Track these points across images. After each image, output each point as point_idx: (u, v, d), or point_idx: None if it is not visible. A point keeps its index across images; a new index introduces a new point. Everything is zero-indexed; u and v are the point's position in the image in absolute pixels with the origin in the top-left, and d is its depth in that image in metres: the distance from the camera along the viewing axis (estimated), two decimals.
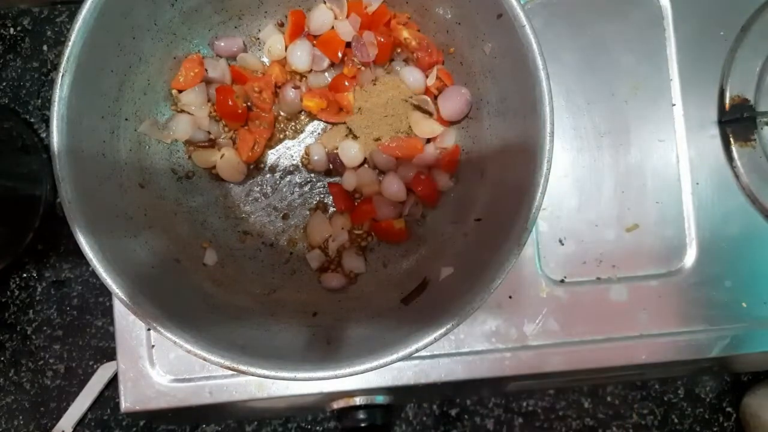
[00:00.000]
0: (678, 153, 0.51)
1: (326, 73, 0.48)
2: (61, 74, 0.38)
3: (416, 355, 0.37)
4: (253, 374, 0.37)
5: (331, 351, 0.39)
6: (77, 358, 0.62)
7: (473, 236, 0.44)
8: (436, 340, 0.37)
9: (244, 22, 0.48)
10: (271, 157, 0.49)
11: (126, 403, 0.47)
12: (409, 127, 0.46)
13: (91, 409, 0.61)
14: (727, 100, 0.51)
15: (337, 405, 0.50)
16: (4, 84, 0.63)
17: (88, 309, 0.62)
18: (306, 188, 0.49)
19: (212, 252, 0.46)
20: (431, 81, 0.46)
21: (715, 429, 0.64)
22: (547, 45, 0.38)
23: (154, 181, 0.45)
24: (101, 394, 0.61)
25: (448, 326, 0.37)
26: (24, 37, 0.63)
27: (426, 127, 0.46)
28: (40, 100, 0.63)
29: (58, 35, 0.63)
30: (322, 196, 0.49)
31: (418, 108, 0.46)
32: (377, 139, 0.46)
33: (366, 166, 0.48)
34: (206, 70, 0.46)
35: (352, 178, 0.47)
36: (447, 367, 0.48)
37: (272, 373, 0.37)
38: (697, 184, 0.51)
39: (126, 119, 0.43)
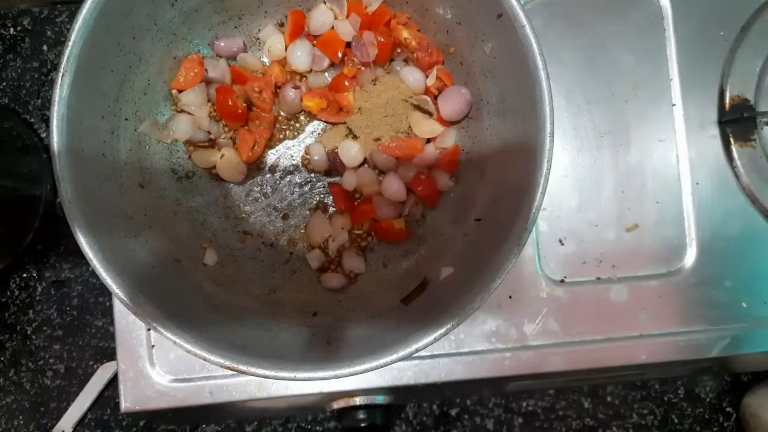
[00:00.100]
0: (678, 153, 0.51)
1: (326, 73, 0.48)
2: (61, 74, 0.38)
3: (416, 355, 0.37)
4: (253, 374, 0.37)
5: (331, 351, 0.39)
6: (77, 358, 0.62)
7: (473, 236, 0.44)
8: (436, 340, 0.37)
9: (244, 22, 0.48)
10: (271, 157, 0.49)
11: (126, 403, 0.47)
12: (409, 127, 0.46)
13: (91, 409, 0.61)
14: (727, 100, 0.51)
15: (337, 405, 0.50)
16: (4, 84, 0.63)
17: (88, 309, 0.62)
18: (306, 188, 0.49)
19: (212, 252, 0.46)
20: (431, 81, 0.46)
21: (715, 429, 0.64)
22: (547, 45, 0.38)
23: (154, 181, 0.45)
24: (101, 394, 0.61)
25: (448, 326, 0.37)
26: (24, 37, 0.63)
27: (426, 127, 0.46)
28: (40, 100, 0.63)
29: (58, 35, 0.63)
30: (322, 196, 0.49)
31: (418, 108, 0.46)
32: (377, 139, 0.46)
33: (366, 166, 0.48)
34: (206, 70, 0.46)
35: (352, 178, 0.47)
36: (447, 367, 0.48)
37: (272, 373, 0.37)
38: (697, 184, 0.51)
39: (126, 119, 0.43)
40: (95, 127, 0.41)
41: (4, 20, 0.63)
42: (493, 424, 0.63)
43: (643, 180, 0.50)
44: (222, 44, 0.47)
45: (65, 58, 0.38)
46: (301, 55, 0.46)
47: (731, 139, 0.51)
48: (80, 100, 0.39)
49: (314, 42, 0.47)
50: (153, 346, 0.48)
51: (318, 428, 0.63)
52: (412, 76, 0.45)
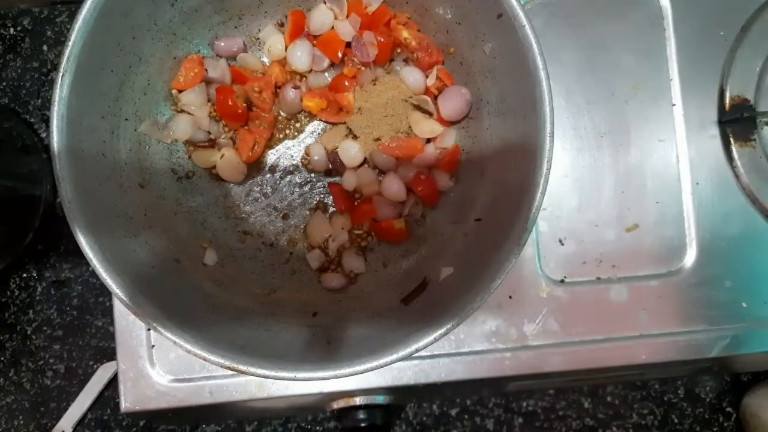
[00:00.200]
0: (678, 153, 0.51)
1: (326, 73, 0.48)
2: (61, 74, 0.38)
3: (416, 355, 0.37)
4: (253, 374, 0.37)
5: (331, 351, 0.39)
6: (77, 358, 0.62)
7: (473, 236, 0.44)
8: (436, 340, 0.37)
9: (244, 22, 0.48)
10: (271, 157, 0.49)
11: (126, 403, 0.47)
12: (409, 127, 0.46)
13: (91, 409, 0.61)
14: (727, 100, 0.51)
15: (337, 405, 0.50)
16: (4, 84, 0.63)
17: (88, 309, 0.62)
18: (306, 188, 0.49)
19: (212, 252, 0.46)
20: (431, 81, 0.46)
21: (715, 429, 0.64)
22: (547, 45, 0.38)
23: (154, 181, 0.45)
24: (101, 394, 0.61)
25: (448, 326, 0.37)
26: (24, 37, 0.63)
27: (426, 127, 0.46)
28: (40, 100, 0.63)
29: (58, 35, 0.63)
30: (322, 196, 0.49)
31: (418, 108, 0.46)
32: (377, 139, 0.46)
33: (366, 166, 0.48)
34: (206, 70, 0.46)
35: (352, 178, 0.47)
36: (447, 367, 0.48)
37: (272, 373, 0.37)
38: (697, 184, 0.51)
39: (126, 119, 0.43)
40: (95, 127, 0.41)
41: (4, 20, 0.63)
42: (493, 424, 0.63)
43: (643, 180, 0.50)
44: (222, 44, 0.47)
45: (65, 58, 0.38)
46: (301, 55, 0.46)
47: (731, 139, 0.51)
48: (80, 100, 0.39)
49: (314, 42, 0.47)
50: (153, 346, 0.48)
51: (318, 428, 0.63)
52: (412, 76, 0.45)
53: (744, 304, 0.50)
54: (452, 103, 0.45)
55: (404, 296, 0.44)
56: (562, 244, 0.50)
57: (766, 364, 0.59)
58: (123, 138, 0.43)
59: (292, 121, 0.49)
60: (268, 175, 0.49)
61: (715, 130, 0.51)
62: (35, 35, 0.63)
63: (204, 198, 0.48)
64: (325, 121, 0.49)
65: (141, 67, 0.43)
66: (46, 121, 0.62)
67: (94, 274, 0.38)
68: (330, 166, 0.48)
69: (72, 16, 0.52)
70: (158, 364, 0.47)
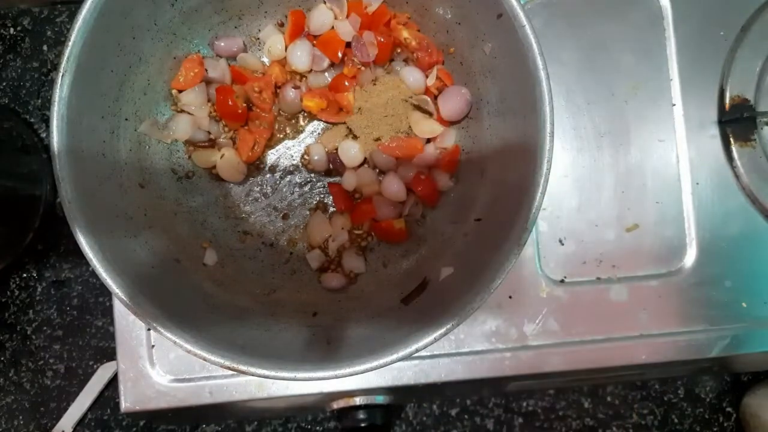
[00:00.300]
0: (678, 153, 0.51)
1: (326, 73, 0.48)
2: (61, 74, 0.38)
3: (416, 355, 0.37)
4: (253, 374, 0.37)
5: (331, 351, 0.39)
6: (77, 358, 0.62)
7: (473, 236, 0.44)
8: (436, 340, 0.37)
9: (244, 22, 0.48)
10: (271, 157, 0.49)
11: (126, 403, 0.47)
12: (409, 127, 0.46)
13: (91, 409, 0.61)
14: (727, 100, 0.51)
15: (337, 405, 0.50)
16: (4, 84, 0.63)
17: (88, 309, 0.62)
18: (306, 188, 0.49)
19: (212, 252, 0.46)
20: (431, 81, 0.46)
21: (715, 429, 0.64)
22: (547, 45, 0.38)
23: (154, 181, 0.45)
24: (101, 394, 0.61)
25: (448, 326, 0.37)
26: (24, 37, 0.63)
27: (426, 127, 0.46)
28: (40, 100, 0.63)
29: (58, 35, 0.63)
30: (322, 196, 0.49)
31: (418, 108, 0.46)
32: (377, 139, 0.46)
33: (366, 166, 0.48)
34: (206, 70, 0.46)
35: (352, 178, 0.47)
36: (447, 367, 0.48)
37: (272, 373, 0.37)
38: (697, 184, 0.51)
39: (126, 119, 0.43)
40: (95, 127, 0.41)
41: (4, 20, 0.63)
42: (493, 424, 0.63)
43: (643, 180, 0.50)
44: (222, 44, 0.47)
45: (65, 58, 0.38)
46: (301, 55, 0.46)
47: (731, 139, 0.51)
48: (80, 100, 0.39)
49: (314, 42, 0.47)
50: (153, 346, 0.48)
51: (318, 428, 0.63)
52: (412, 76, 0.45)
53: (744, 304, 0.50)
54: (452, 103, 0.45)
55: (404, 296, 0.44)
56: (562, 244, 0.50)
57: (766, 364, 0.59)
58: (123, 138, 0.43)
59: (292, 121, 0.49)
60: (268, 175, 0.49)
61: (715, 130, 0.51)
62: (35, 35, 0.63)
63: (204, 198, 0.48)
64: (325, 121, 0.49)
65: (141, 67, 0.43)
66: (46, 121, 0.62)
67: (94, 274, 0.38)
68: (330, 166, 0.48)
69: (72, 16, 0.52)
70: (158, 364, 0.47)
